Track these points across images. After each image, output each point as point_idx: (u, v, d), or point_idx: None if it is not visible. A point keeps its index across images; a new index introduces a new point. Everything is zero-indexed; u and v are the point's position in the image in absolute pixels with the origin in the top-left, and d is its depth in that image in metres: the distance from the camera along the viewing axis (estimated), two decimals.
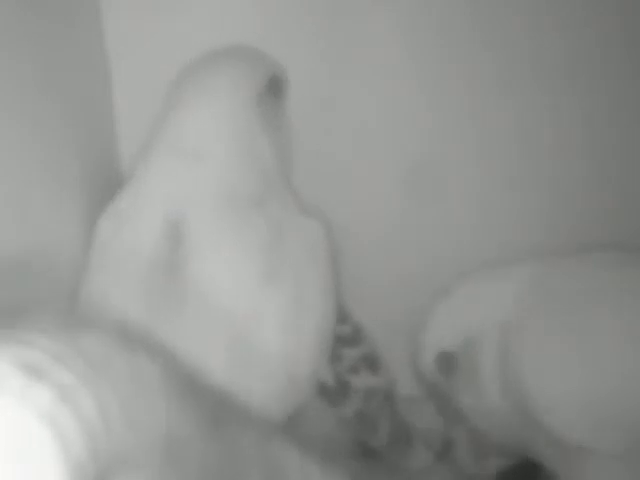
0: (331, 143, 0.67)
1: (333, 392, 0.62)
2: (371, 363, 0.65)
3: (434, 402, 0.65)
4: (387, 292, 0.71)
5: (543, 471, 0.60)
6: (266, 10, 0.66)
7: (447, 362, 0.62)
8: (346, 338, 0.64)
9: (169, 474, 0.29)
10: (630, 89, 0.67)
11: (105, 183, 0.65)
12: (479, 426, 0.62)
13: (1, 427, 0.25)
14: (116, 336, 0.31)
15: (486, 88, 0.68)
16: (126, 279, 0.56)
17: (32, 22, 0.54)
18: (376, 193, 0.70)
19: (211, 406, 0.34)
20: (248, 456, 0.34)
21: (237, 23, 0.66)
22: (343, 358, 0.63)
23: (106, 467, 0.26)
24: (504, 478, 0.61)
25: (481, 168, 0.69)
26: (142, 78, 0.66)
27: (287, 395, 0.56)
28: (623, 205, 0.69)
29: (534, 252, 0.69)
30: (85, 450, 0.26)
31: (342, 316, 0.62)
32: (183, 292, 0.55)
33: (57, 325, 0.29)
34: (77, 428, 0.26)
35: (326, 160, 0.66)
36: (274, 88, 0.61)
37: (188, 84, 0.60)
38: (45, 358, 0.27)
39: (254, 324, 0.56)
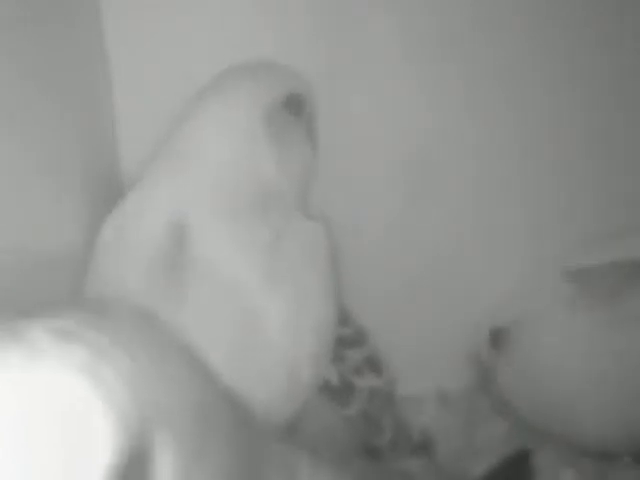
0: (331, 143, 0.67)
1: (337, 392, 0.63)
2: (373, 365, 0.65)
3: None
4: (387, 292, 0.71)
5: (533, 463, 0.61)
6: (265, 10, 0.66)
7: (499, 337, 0.64)
8: (348, 340, 0.64)
9: (203, 435, 0.29)
10: (631, 87, 0.67)
11: (105, 183, 0.65)
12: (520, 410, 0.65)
13: (47, 387, 0.26)
14: (140, 314, 0.32)
15: (486, 88, 0.68)
16: (128, 280, 0.56)
17: (32, 22, 0.54)
18: (376, 193, 0.70)
19: (231, 399, 0.35)
20: (264, 455, 0.35)
21: (237, 23, 0.66)
22: (346, 359, 0.64)
23: (147, 413, 0.27)
24: (497, 471, 0.62)
25: (481, 168, 0.69)
26: (142, 78, 0.66)
27: (288, 397, 0.56)
28: (624, 204, 0.69)
29: (534, 251, 0.69)
30: (127, 398, 0.27)
31: (343, 318, 0.62)
32: (184, 292, 0.55)
33: (83, 306, 0.31)
34: (115, 376, 0.27)
35: (326, 160, 0.66)
36: (292, 106, 0.61)
37: (198, 98, 0.61)
38: (77, 324, 0.28)
39: (254, 325, 0.56)
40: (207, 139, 0.59)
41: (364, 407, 0.63)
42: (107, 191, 0.63)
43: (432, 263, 0.71)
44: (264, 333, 0.56)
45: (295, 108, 0.61)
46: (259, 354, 0.55)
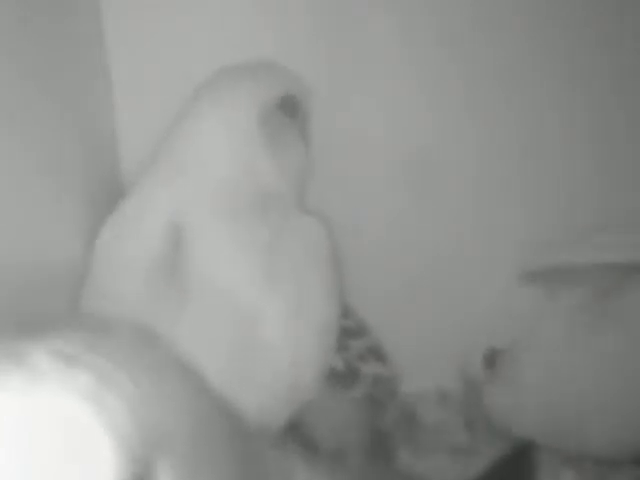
0: (331, 143, 0.67)
1: (343, 376, 0.64)
2: (377, 354, 0.66)
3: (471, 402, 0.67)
4: (387, 292, 0.71)
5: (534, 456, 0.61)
6: (265, 10, 0.66)
7: (493, 358, 0.64)
8: (351, 330, 0.65)
9: (201, 454, 0.30)
10: (631, 87, 0.67)
11: (106, 183, 0.65)
12: (505, 426, 0.64)
13: (49, 412, 0.26)
14: (138, 333, 0.32)
15: (486, 87, 0.68)
16: (127, 282, 0.56)
17: (32, 22, 0.54)
18: (376, 192, 0.70)
19: (226, 411, 0.35)
20: (260, 463, 0.35)
21: (237, 23, 0.66)
22: (350, 348, 0.65)
23: (149, 439, 0.27)
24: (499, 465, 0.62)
25: (481, 168, 0.69)
26: (142, 78, 0.66)
27: (289, 398, 0.56)
28: (624, 204, 0.69)
29: (537, 246, 0.69)
30: (129, 422, 0.27)
31: (345, 311, 0.63)
32: (184, 294, 0.55)
33: (83, 324, 0.30)
34: (119, 402, 0.27)
35: (326, 160, 0.66)
36: (287, 108, 0.61)
37: (196, 98, 0.61)
38: (80, 346, 0.28)
39: (255, 325, 0.56)
40: (205, 140, 0.59)
41: (369, 391, 0.64)
42: (107, 191, 0.63)
43: (432, 263, 0.71)
44: (264, 334, 0.56)
45: (290, 110, 0.62)
46: (259, 355, 0.55)
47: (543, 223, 0.70)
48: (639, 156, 0.69)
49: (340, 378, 0.63)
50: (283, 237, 0.58)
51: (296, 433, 0.58)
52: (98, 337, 0.29)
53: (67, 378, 0.27)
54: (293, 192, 0.61)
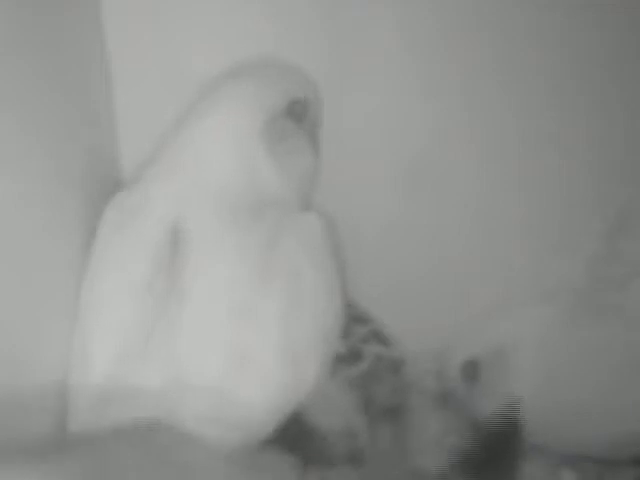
0: (332, 143, 0.67)
1: (346, 357, 0.64)
2: (380, 338, 0.67)
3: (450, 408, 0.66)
4: (387, 293, 0.71)
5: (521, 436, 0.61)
6: (266, 9, 0.66)
7: (472, 370, 0.63)
8: (356, 317, 0.66)
9: None
10: (632, 86, 0.67)
11: (105, 184, 0.65)
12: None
13: None
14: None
15: (486, 87, 0.68)
16: (126, 280, 0.56)
17: (32, 22, 0.54)
18: (376, 192, 0.70)
19: None
20: None
21: (237, 23, 0.66)
22: (355, 334, 0.66)
23: None
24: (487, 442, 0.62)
25: (482, 167, 0.69)
26: (142, 78, 0.66)
27: (290, 396, 0.56)
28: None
29: (534, 251, 0.69)
30: None
31: (349, 302, 0.64)
32: (182, 294, 0.55)
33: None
34: None
35: (325, 160, 0.66)
36: (295, 113, 0.61)
37: (200, 99, 0.61)
38: None
39: (254, 324, 0.56)
40: (206, 142, 0.59)
41: (368, 369, 0.65)
42: (107, 191, 0.63)
43: (432, 263, 0.71)
44: (261, 330, 0.56)
45: (297, 115, 0.61)
46: (259, 354, 0.55)
47: (543, 224, 0.70)
48: (639, 156, 0.69)
49: (343, 359, 0.64)
50: (281, 234, 0.58)
51: (297, 420, 0.59)
52: None
53: None
54: (296, 197, 0.61)
